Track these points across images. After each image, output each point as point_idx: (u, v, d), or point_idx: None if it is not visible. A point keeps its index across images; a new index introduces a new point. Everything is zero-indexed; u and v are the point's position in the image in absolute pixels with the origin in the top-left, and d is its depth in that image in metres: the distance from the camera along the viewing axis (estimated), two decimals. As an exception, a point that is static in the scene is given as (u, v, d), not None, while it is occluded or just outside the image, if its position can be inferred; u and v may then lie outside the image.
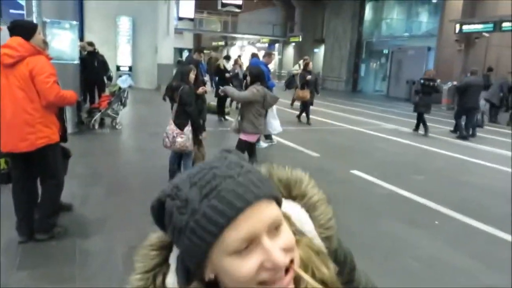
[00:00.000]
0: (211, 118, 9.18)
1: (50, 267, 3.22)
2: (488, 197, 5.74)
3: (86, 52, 9.47)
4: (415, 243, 4.11)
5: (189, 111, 5.03)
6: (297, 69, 12.91)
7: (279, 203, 0.72)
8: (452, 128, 10.99)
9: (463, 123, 10.38)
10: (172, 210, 0.68)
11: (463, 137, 10.23)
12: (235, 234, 0.64)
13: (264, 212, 0.66)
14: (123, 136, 8.78)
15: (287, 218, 0.76)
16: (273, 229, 0.67)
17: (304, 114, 11.33)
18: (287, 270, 0.68)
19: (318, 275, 0.75)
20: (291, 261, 0.69)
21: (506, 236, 4.29)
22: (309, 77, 11.16)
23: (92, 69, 9.41)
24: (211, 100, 10.33)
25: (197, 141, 5.30)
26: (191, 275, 0.72)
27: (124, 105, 9.19)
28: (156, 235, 0.79)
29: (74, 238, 3.68)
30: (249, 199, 0.65)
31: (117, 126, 8.97)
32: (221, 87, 5.90)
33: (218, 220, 0.64)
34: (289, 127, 9.69)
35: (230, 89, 5.42)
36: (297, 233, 0.77)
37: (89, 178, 5.46)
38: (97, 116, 8.75)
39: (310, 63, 11.79)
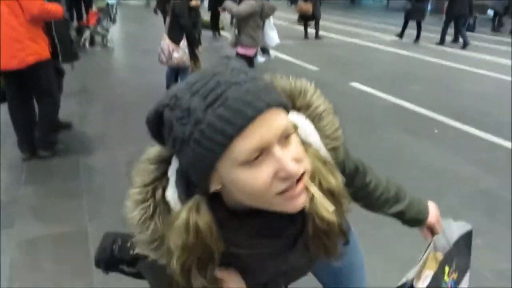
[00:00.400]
0: (205, 34, 8.83)
1: (55, 182, 3.26)
2: (486, 105, 5.72)
3: None
4: (415, 152, 4.15)
5: (182, 23, 4.80)
6: None
7: (287, 112, 0.68)
8: (451, 39, 10.76)
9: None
10: (172, 121, 0.63)
11: (441, 43, 10.34)
12: (245, 144, 0.60)
13: (275, 121, 0.62)
14: (115, 54, 8.52)
15: (295, 127, 0.73)
16: (283, 138, 0.64)
17: (311, 30, 10.96)
18: (298, 181, 0.66)
19: (325, 185, 0.74)
20: (303, 172, 0.67)
21: (505, 143, 4.33)
22: None
23: None
24: (205, 15, 9.90)
25: (193, 55, 5.12)
26: (192, 188, 0.69)
27: (113, 21, 8.80)
28: (153, 149, 0.75)
29: (76, 155, 3.69)
30: (260, 106, 0.60)
31: (108, 44, 8.66)
32: (219, 7, 5.55)
33: (226, 130, 0.59)
34: (287, 41, 9.38)
35: (229, 3, 5.12)
36: (303, 143, 0.74)
37: (86, 96, 5.37)
38: (87, 34, 8.41)
39: None
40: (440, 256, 1.13)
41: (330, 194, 0.74)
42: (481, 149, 4.26)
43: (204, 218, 0.68)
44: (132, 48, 9.04)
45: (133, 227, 0.75)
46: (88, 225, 2.69)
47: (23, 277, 2.26)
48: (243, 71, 0.64)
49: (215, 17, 10.47)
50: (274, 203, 0.66)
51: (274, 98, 0.63)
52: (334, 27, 13.16)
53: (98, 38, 8.69)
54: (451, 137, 4.55)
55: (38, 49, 3.33)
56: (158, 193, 0.73)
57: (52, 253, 2.46)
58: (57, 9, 3.45)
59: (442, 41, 10.37)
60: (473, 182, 3.57)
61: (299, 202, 0.67)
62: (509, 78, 7.20)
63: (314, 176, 0.72)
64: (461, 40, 10.20)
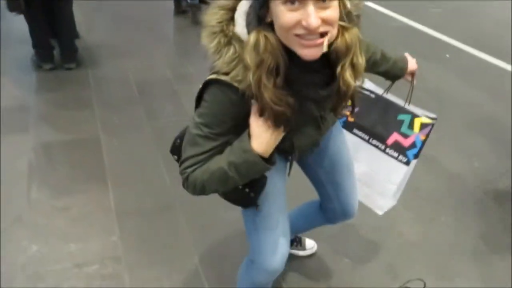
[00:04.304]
0: None
1: (67, 91, 3.32)
2: (504, 31, 5.53)
3: None
4: (425, 75, 4.10)
5: None
6: None
7: None
8: None
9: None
10: None
11: None
12: None
13: None
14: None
15: (343, 1, 0.88)
16: (321, 1, 0.80)
17: None
18: (322, 37, 0.84)
19: (354, 60, 0.95)
20: (326, 33, 0.84)
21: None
22: None
23: None
24: None
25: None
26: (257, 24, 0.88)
27: None
28: (221, 1, 0.94)
29: (85, 65, 3.70)
30: None
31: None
32: None
33: None
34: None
35: None
36: (353, 20, 0.92)
37: (92, 6, 5.21)
38: None
39: None
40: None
41: (353, 68, 0.95)
42: (491, 75, 4.21)
43: (269, 35, 0.87)
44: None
45: (211, 56, 0.93)
46: (101, 133, 2.79)
47: (40, 177, 2.39)
48: None
49: None
50: (292, 43, 0.86)
51: None
52: None
53: None
54: (462, 63, 4.47)
55: None
56: (230, 28, 0.92)
57: (67, 158, 2.58)
58: None
59: None
60: (478, 106, 3.58)
61: (311, 52, 0.86)
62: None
63: (350, 50, 0.92)
64: None
